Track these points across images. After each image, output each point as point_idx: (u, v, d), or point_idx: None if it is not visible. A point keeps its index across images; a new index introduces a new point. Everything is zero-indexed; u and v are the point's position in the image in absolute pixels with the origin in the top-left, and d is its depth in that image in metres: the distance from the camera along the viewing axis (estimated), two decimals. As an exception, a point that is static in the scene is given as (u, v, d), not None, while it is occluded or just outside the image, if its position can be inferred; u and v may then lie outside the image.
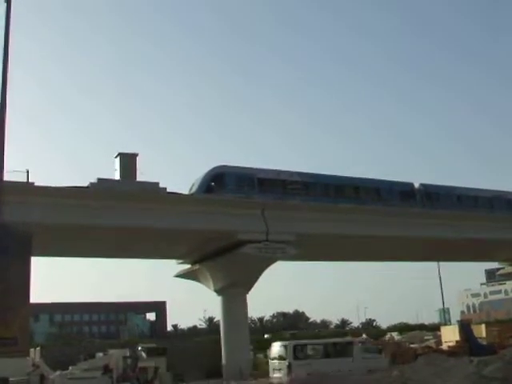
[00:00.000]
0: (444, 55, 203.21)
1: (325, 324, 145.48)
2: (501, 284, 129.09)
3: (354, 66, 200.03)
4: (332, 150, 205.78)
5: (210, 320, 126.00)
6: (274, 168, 41.55)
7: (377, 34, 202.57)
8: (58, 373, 32.14)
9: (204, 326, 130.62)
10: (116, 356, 34.21)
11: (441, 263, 76.70)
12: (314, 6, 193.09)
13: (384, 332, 73.80)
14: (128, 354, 36.33)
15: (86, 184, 34.92)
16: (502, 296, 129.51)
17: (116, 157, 37.43)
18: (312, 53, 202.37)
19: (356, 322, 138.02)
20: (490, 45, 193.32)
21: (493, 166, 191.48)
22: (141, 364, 34.85)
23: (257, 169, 40.50)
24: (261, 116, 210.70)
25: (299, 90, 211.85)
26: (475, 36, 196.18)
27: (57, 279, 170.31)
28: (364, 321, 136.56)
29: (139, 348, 40.28)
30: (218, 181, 38.86)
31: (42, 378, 31.07)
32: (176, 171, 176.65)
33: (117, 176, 36.93)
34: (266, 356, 46.61)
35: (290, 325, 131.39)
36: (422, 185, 47.49)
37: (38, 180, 33.05)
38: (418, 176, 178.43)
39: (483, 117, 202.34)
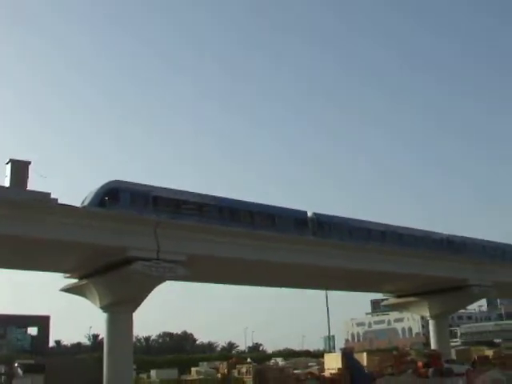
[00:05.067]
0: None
1: (211, 346, 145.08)
2: (384, 314, 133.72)
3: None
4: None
5: (95, 337, 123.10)
6: (171, 187, 41.24)
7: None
8: None
9: (88, 342, 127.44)
10: (-11, 373, 32.82)
11: (329, 291, 78.63)
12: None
13: (269, 357, 74.40)
14: (2, 371, 34.94)
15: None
16: (385, 326, 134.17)
17: (7, 163, 36.05)
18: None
19: (243, 345, 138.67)
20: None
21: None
22: (16, 381, 33.61)
23: (152, 186, 40.04)
24: (167, 136, 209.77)
25: (211, 116, 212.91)
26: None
27: None
28: (251, 345, 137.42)
29: (16, 364, 38.77)
30: (112, 195, 38.08)
31: None
32: (70, 184, 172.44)
33: (6, 183, 35.54)
34: (149, 376, 46.08)
35: (177, 346, 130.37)
36: (314, 213, 48.32)
37: None
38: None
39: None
